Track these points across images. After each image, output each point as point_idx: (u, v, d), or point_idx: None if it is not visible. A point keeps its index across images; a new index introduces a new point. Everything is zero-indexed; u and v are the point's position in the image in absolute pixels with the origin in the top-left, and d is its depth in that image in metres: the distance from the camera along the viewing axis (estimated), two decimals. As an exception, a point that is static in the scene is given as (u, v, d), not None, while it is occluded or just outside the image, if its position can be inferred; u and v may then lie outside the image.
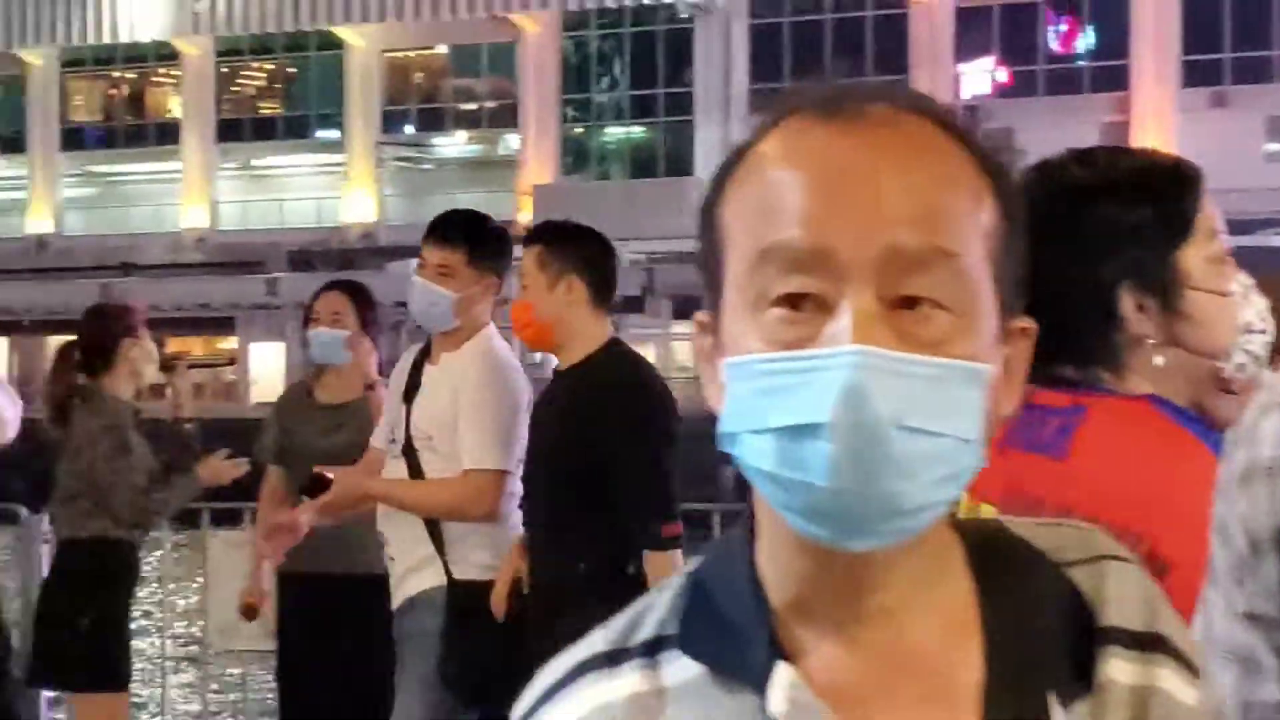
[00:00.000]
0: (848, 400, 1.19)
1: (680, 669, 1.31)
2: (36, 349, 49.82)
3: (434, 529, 5.73)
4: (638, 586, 4.49)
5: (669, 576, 3.07)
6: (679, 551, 5.19)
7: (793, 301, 1.25)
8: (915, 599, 1.29)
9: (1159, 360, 2.26)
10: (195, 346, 57.90)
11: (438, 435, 5.72)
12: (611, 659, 1.33)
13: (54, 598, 6.80)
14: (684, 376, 49.51)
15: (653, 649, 1.33)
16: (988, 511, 2.24)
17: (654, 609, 1.35)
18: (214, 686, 10.30)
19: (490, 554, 5.70)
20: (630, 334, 50.03)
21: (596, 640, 1.36)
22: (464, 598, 5.65)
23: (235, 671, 9.74)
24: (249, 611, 6.76)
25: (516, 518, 5.71)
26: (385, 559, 5.95)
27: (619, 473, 5.20)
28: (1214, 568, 1.73)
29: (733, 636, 1.30)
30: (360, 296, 6.87)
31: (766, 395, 1.24)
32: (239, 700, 9.92)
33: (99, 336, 6.80)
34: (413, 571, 5.78)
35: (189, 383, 7.18)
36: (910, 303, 1.25)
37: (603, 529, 5.22)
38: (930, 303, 1.25)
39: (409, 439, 5.80)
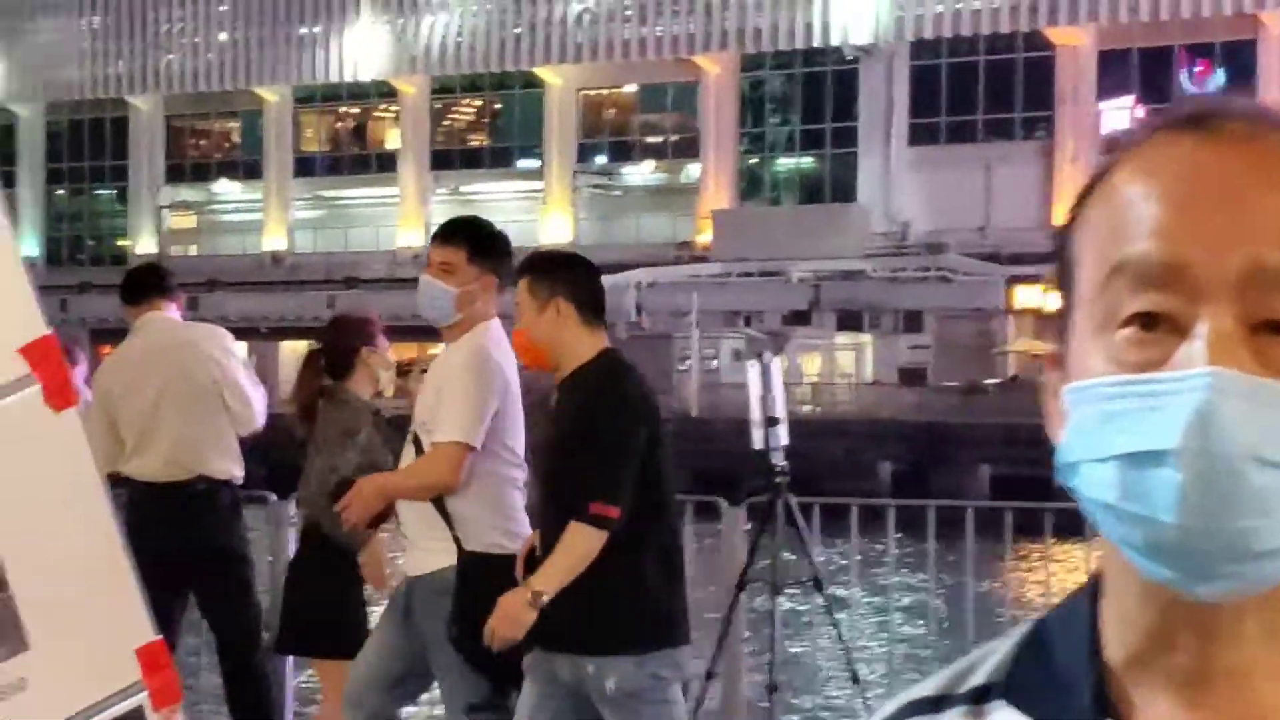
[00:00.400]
0: (1199, 426, 1.05)
1: (1003, 718, 1.20)
2: (271, 353, 54.26)
3: (441, 509, 5.72)
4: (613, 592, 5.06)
5: (577, 547, 5.00)
6: (603, 534, 5.06)
7: (1144, 322, 1.11)
8: (1268, 659, 1.12)
9: None
10: (410, 352, 62.08)
11: (430, 421, 5.76)
12: (935, 704, 1.22)
13: (300, 574, 6.82)
14: (845, 382, 53.59)
15: (980, 696, 1.22)
16: None
17: (993, 654, 1.24)
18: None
19: (501, 535, 5.69)
20: (798, 344, 54.35)
21: (928, 684, 1.25)
22: (473, 566, 5.61)
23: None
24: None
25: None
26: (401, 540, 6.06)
27: (582, 463, 5.17)
28: None
29: (1060, 688, 1.18)
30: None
31: (1110, 421, 1.10)
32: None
33: (340, 344, 6.78)
34: (427, 552, 5.84)
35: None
36: (1276, 327, 1.10)
37: None
38: None
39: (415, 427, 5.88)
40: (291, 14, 67.04)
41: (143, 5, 69.10)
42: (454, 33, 65.15)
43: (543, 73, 64.78)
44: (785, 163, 62.79)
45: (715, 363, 51.70)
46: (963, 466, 41.12)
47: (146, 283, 7.63)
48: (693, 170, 63.38)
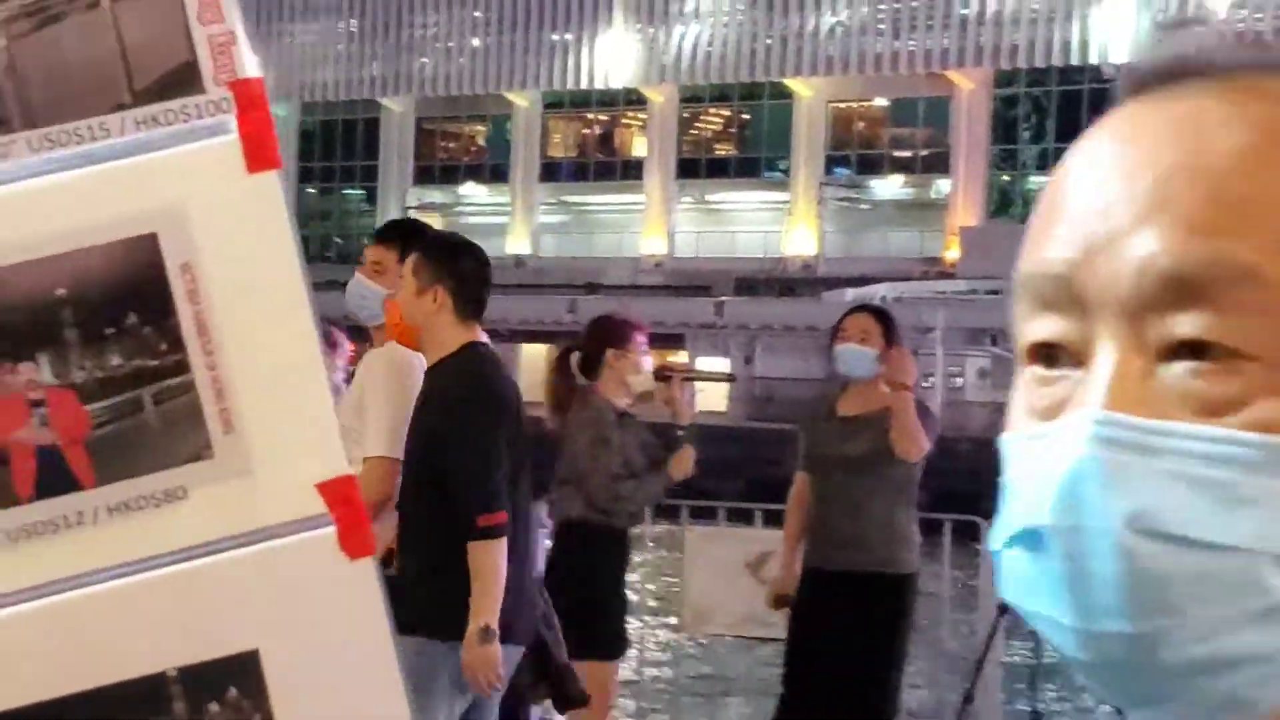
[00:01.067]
0: (1069, 491, 0.80)
1: None
2: (512, 355, 53.84)
3: None
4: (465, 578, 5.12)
5: (486, 565, 5.11)
6: (500, 541, 5.18)
7: (1046, 354, 0.89)
8: None
9: None
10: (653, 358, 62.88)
11: (350, 424, 5.53)
12: None
13: (548, 573, 6.69)
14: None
15: None
16: None
17: None
18: (687, 666, 10.59)
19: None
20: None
21: None
22: None
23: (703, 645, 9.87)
24: (780, 601, 6.82)
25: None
26: None
27: (449, 465, 5.26)
28: None
29: None
30: (886, 319, 6.94)
31: (1009, 491, 0.86)
32: (713, 673, 10.10)
33: (591, 345, 6.78)
34: None
35: (684, 392, 6.75)
36: (1194, 350, 0.81)
37: (440, 519, 5.28)
38: (1222, 348, 0.80)
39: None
40: (544, 20, 67.79)
41: (398, 9, 70.41)
42: (704, 42, 65.31)
43: (792, 84, 64.70)
44: (1037, 181, 61.17)
45: (960, 380, 51.27)
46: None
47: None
48: (942, 186, 62.90)
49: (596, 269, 65.34)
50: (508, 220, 70.64)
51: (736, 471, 28.79)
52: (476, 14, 69.11)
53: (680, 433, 6.75)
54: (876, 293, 55.81)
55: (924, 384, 49.32)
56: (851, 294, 56.75)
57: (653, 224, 67.39)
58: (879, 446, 6.61)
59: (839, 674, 6.54)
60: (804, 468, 6.88)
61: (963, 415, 43.93)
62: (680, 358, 59.56)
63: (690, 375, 7.24)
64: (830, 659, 6.55)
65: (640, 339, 6.85)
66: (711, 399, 54.21)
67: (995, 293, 56.56)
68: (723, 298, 57.95)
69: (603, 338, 6.85)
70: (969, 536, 8.01)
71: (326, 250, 70.42)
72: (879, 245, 62.78)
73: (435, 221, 74.23)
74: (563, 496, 6.75)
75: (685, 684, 9.95)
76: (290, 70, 72.04)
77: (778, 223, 65.05)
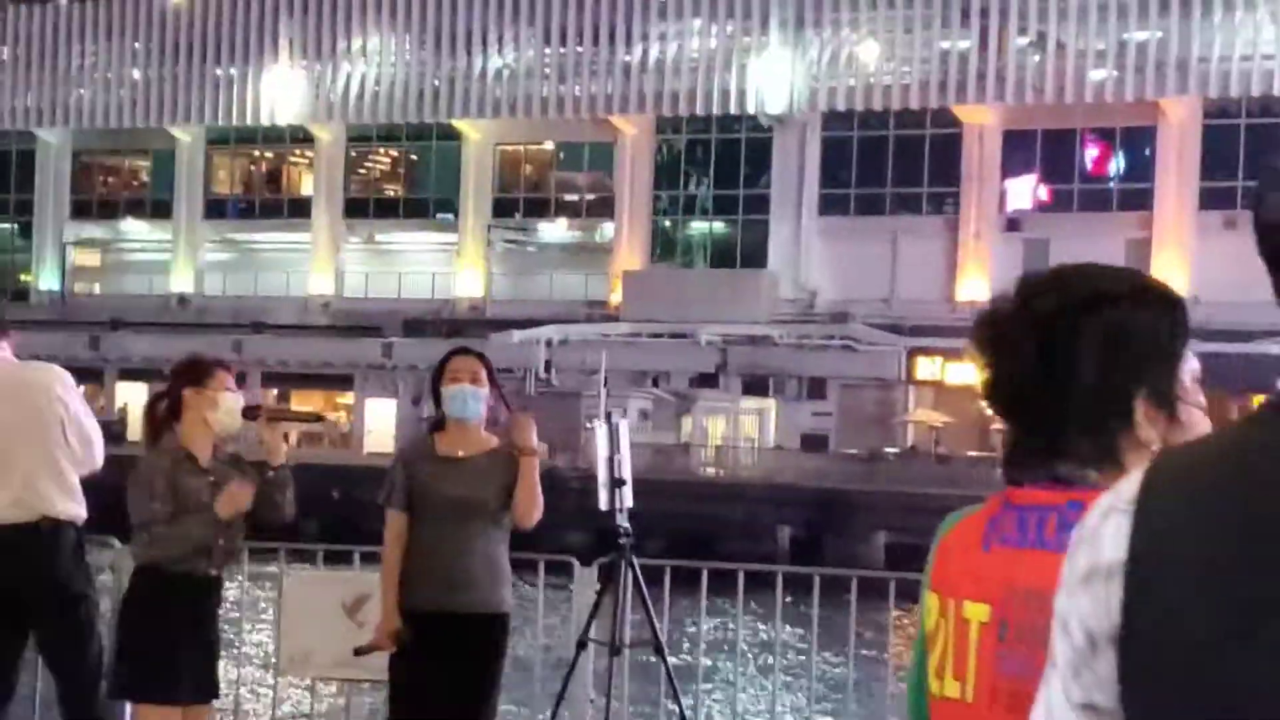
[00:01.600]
0: None
1: None
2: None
3: None
4: None
5: None
6: None
7: None
8: None
9: None
10: (316, 400, 62.09)
11: None
12: None
13: (121, 619, 6.71)
14: (749, 446, 54.01)
15: None
16: (981, 611, 2.23)
17: None
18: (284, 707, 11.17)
19: None
20: (703, 406, 54.69)
21: None
22: None
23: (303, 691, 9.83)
24: (368, 650, 6.80)
25: None
26: None
27: None
28: (1053, 657, 1.57)
29: None
30: (487, 362, 6.98)
31: None
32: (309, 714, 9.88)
33: (171, 386, 6.71)
34: None
35: (273, 432, 6.73)
36: None
37: None
38: None
39: None
40: (208, 53, 66.82)
41: (54, 38, 68.80)
42: (372, 82, 65.22)
43: (461, 125, 65.06)
44: (698, 226, 63.40)
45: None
46: (859, 533, 41.54)
47: None
48: (607, 229, 63.80)
49: (263, 308, 64.87)
50: (170, 257, 69.51)
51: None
52: (137, 45, 67.92)
53: (271, 473, 6.63)
54: (543, 335, 56.49)
55: (587, 425, 50.00)
56: (518, 335, 57.40)
57: (320, 263, 67.05)
58: (489, 490, 6.67)
59: (445, 714, 6.62)
60: (402, 506, 6.70)
61: (623, 455, 44.62)
62: (348, 399, 60.59)
63: (276, 415, 7.17)
64: (435, 699, 6.59)
65: (226, 376, 6.75)
66: (377, 441, 54.03)
67: (658, 335, 57.78)
68: (391, 339, 58.25)
69: (180, 377, 6.73)
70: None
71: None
72: (545, 288, 63.45)
73: (95, 258, 72.74)
74: (136, 544, 6.66)
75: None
76: (-63, 99, 69.97)
77: (446, 264, 65.30)
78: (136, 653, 6.52)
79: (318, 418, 11.55)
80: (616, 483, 7.75)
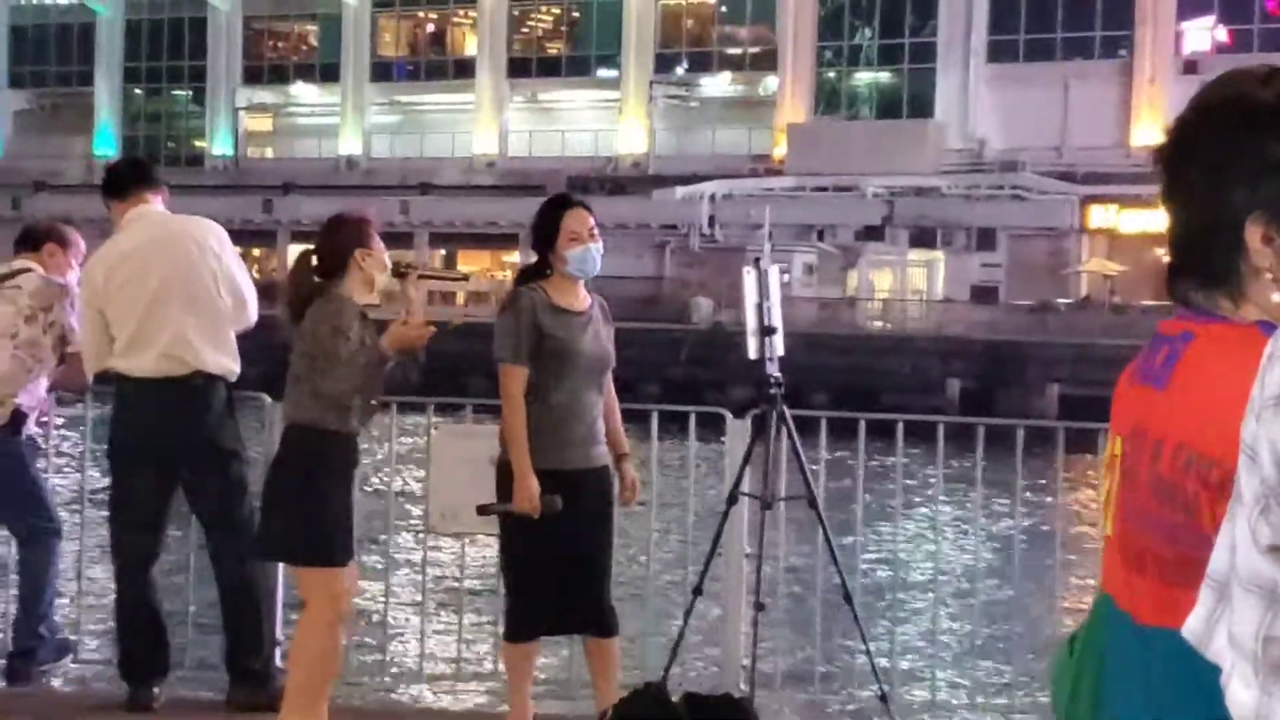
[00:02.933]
0: None
1: None
2: None
3: None
4: None
5: None
6: None
7: None
8: None
9: (1277, 297, 2.02)
10: (483, 260, 62.74)
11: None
12: None
13: (274, 479, 6.56)
14: (917, 299, 53.55)
15: None
16: (1118, 446, 2.16)
17: None
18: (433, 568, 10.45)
19: None
20: (870, 260, 54.31)
21: None
22: None
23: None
24: (498, 511, 6.61)
25: None
26: None
27: None
28: (1238, 494, 1.48)
29: None
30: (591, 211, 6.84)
31: None
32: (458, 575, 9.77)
33: (334, 245, 6.51)
34: None
35: (419, 291, 6.62)
36: None
37: None
38: None
39: None
40: (371, -84, 66.51)
41: (222, -95, 69.11)
42: (533, -62, 64.70)
43: (621, -20, 64.67)
44: (863, 77, 62.45)
45: (787, 277, 51.94)
46: (1032, 385, 41.14)
47: (132, 176, 7.45)
48: (770, 83, 63.14)
49: (429, 169, 65.33)
50: (338, 121, 70.12)
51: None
52: (303, -90, 67.99)
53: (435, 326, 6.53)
54: (706, 190, 56.29)
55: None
56: (681, 191, 57.25)
57: (485, 123, 67.24)
58: (610, 342, 6.67)
59: (569, 567, 6.57)
60: (527, 361, 6.52)
61: (789, 310, 44.39)
62: (514, 257, 60.16)
63: (427, 274, 7.10)
64: (561, 552, 6.51)
65: (377, 235, 6.62)
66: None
67: (822, 189, 57.30)
68: (556, 196, 57.97)
69: (347, 237, 6.54)
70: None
71: (155, 152, 69.18)
72: (708, 143, 63.15)
73: (266, 123, 73.67)
74: (295, 398, 6.48)
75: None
76: (113, -33, 70.74)
77: (609, 121, 65.22)
78: (291, 513, 6.43)
79: (464, 278, 11.43)
80: (766, 330, 7.55)
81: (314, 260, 6.60)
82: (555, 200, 6.90)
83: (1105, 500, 2.24)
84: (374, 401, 6.57)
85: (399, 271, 6.68)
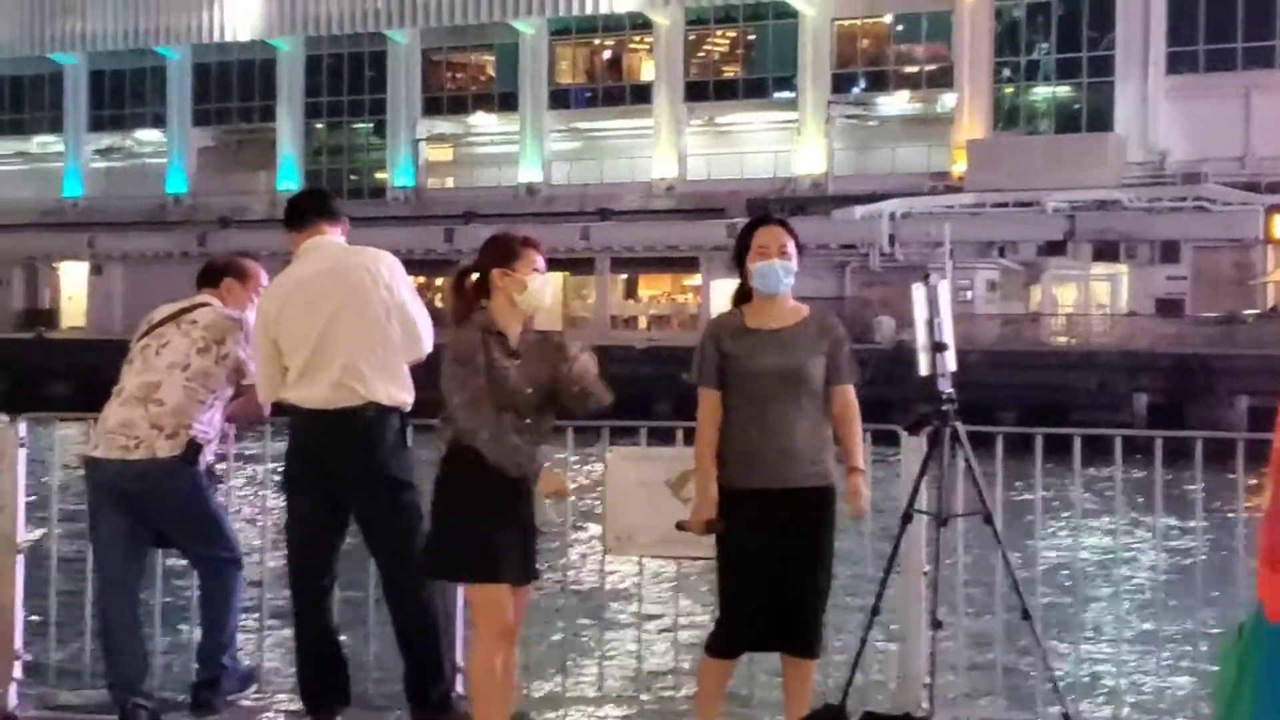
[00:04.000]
0: None
1: None
2: None
3: None
4: None
5: None
6: None
7: None
8: None
9: None
10: (663, 284, 63.05)
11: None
12: None
13: (435, 499, 6.56)
14: (1101, 313, 52.86)
15: None
16: None
17: None
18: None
19: None
20: (1052, 275, 53.67)
21: None
22: None
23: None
24: (710, 526, 6.57)
25: None
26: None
27: None
28: None
29: None
30: (793, 231, 6.78)
31: None
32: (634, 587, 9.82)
33: (480, 265, 6.53)
34: None
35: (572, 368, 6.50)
36: None
37: None
38: None
39: None
40: (545, -53, 67.28)
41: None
42: (706, -37, 64.85)
43: (796, 2, 64.82)
44: (1041, 91, 62.03)
45: (969, 294, 51.58)
46: (1221, 398, 40.48)
47: (311, 207, 7.49)
48: (948, 100, 63.08)
49: (608, 194, 65.85)
50: (518, 149, 70.89)
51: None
52: (479, -57, 68.99)
53: (565, 366, 6.47)
54: (886, 208, 56.06)
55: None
56: (861, 210, 57.08)
57: (663, 147, 67.67)
58: (805, 357, 6.54)
59: (777, 589, 6.53)
60: (715, 384, 6.53)
61: (972, 328, 44.32)
62: (694, 280, 60.70)
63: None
64: (765, 573, 6.50)
65: (535, 256, 6.50)
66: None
67: (1003, 205, 56.81)
68: (736, 219, 57.16)
69: (489, 257, 6.50)
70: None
71: (337, 185, 70.59)
72: (887, 161, 62.95)
73: (446, 153, 74.57)
74: (441, 423, 6.52)
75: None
76: (293, 3, 72.50)
77: (787, 142, 65.26)
78: (449, 532, 6.46)
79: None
80: (937, 347, 7.53)
81: (467, 282, 6.58)
82: (753, 219, 6.90)
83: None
84: (528, 420, 6.47)
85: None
